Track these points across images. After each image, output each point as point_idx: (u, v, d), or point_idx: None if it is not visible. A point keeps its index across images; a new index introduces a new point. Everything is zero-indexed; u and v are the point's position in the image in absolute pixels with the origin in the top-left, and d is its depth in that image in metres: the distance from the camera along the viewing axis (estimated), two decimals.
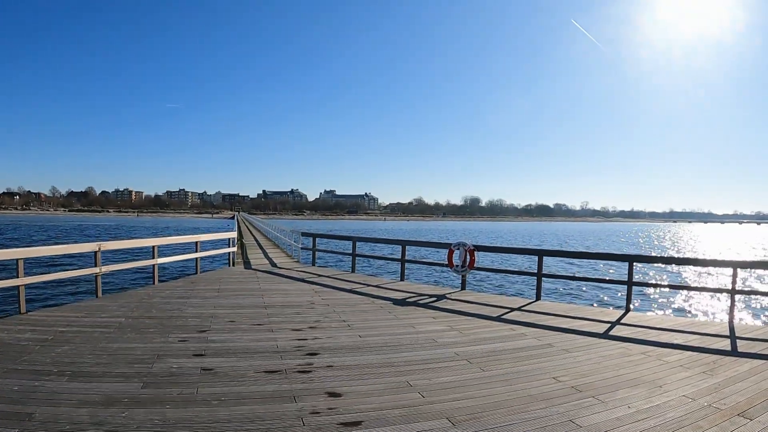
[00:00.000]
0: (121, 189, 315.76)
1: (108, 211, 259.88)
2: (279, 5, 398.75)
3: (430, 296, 15.59)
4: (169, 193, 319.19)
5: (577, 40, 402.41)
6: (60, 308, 12.94)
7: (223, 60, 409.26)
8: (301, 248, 27.20)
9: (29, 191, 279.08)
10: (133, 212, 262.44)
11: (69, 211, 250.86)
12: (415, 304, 14.25)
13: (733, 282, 13.79)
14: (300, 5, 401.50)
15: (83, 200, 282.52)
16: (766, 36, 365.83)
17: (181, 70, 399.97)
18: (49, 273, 14.07)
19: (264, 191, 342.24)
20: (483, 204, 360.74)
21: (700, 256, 52.52)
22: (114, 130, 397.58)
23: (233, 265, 24.08)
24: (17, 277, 12.06)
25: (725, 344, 10.67)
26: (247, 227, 73.06)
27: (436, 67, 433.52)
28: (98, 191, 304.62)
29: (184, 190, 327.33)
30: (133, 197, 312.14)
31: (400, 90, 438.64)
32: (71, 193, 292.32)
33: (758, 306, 24.22)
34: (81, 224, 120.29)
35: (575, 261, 39.02)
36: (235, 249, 25.58)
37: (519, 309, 13.96)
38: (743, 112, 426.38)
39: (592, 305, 21.36)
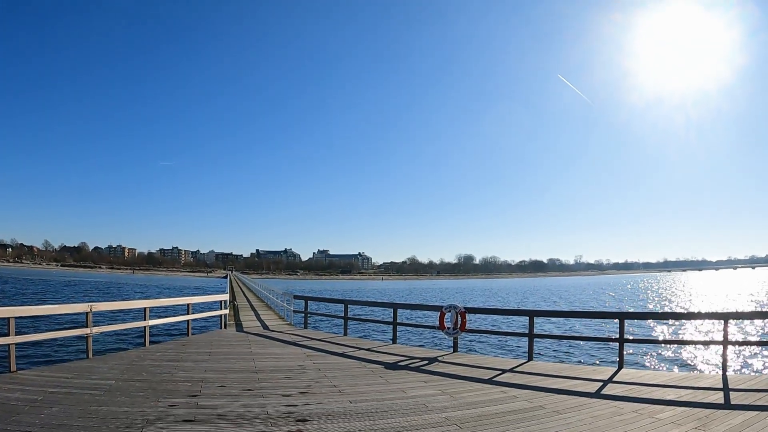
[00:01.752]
0: (114, 245, 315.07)
1: (101, 267, 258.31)
2: (275, 70, 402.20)
3: (422, 359, 15.55)
4: (162, 251, 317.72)
5: (564, 95, 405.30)
6: (50, 368, 12.91)
7: (218, 121, 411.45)
8: (294, 311, 27.10)
9: (22, 244, 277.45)
10: (127, 269, 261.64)
11: (62, 265, 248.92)
12: (407, 367, 14.22)
13: (725, 334, 13.81)
14: (297, 69, 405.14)
15: (76, 255, 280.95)
16: (753, 88, 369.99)
17: (177, 129, 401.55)
18: (40, 332, 14.05)
19: (257, 251, 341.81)
20: (477, 262, 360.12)
21: (691, 310, 52.69)
22: (108, 185, 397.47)
23: (225, 327, 23.94)
24: (8, 336, 12.05)
25: (718, 397, 10.67)
26: (239, 287, 72.79)
27: (426, 129, 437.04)
28: (91, 247, 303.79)
29: (177, 248, 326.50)
30: (126, 254, 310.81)
31: (393, 151, 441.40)
32: (64, 248, 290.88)
33: (751, 355, 24.16)
34: (73, 280, 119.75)
35: (567, 320, 38.85)
36: (226, 311, 25.45)
37: (511, 370, 13.93)
38: (734, 159, 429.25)
39: (584, 364, 21.32)
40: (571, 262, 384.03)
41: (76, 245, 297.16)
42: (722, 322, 14.19)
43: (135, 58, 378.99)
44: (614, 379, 12.83)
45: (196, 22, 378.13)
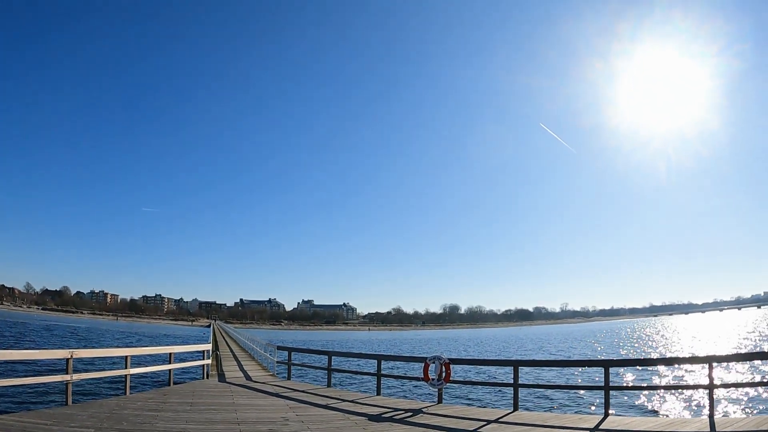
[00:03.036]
0: (97, 291, 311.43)
1: (82, 313, 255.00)
2: (260, 121, 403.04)
3: (406, 411, 15.40)
4: (145, 298, 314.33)
5: (548, 143, 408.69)
6: (29, 413, 12.74)
7: (203, 170, 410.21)
8: (277, 362, 26.90)
9: (3, 285, 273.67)
10: (109, 315, 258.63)
11: (43, 309, 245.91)
12: (391, 419, 14.07)
13: (710, 377, 13.76)
14: (281, 122, 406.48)
15: (57, 299, 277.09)
16: (734, 132, 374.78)
17: (161, 176, 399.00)
18: (19, 377, 13.85)
19: (241, 300, 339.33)
20: (462, 311, 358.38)
21: (676, 355, 52.61)
22: (91, 230, 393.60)
23: (207, 377, 23.72)
24: None
25: None
26: (222, 337, 72.39)
27: (410, 179, 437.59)
28: (73, 291, 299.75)
29: (160, 295, 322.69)
30: (109, 300, 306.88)
31: (378, 201, 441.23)
32: (45, 291, 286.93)
33: (737, 398, 24.12)
34: (54, 324, 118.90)
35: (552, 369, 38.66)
36: (209, 361, 25.24)
37: (496, 421, 13.81)
38: (716, 202, 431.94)
39: (570, 412, 21.21)
40: (557, 310, 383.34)
41: (57, 289, 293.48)
42: (707, 365, 14.17)
43: (121, 105, 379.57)
44: (600, 426, 12.75)
45: (181, 71, 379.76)
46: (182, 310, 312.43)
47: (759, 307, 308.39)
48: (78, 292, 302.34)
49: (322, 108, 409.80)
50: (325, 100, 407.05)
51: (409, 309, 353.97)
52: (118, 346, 57.79)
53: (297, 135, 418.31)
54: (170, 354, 20.76)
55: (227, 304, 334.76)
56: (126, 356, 17.37)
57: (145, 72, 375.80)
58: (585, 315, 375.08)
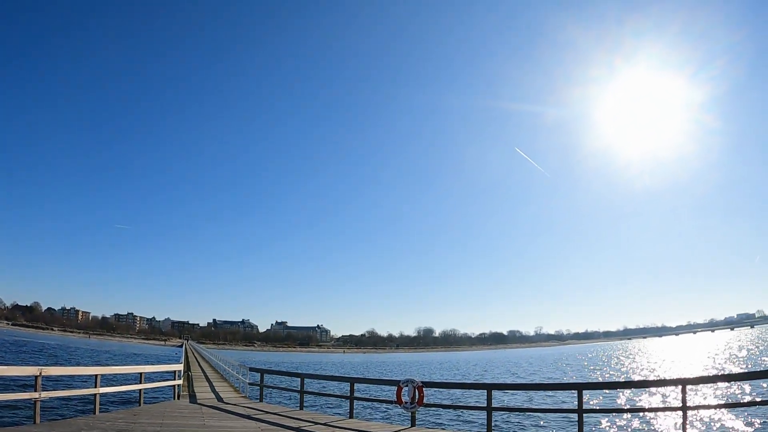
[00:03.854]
0: (68, 307, 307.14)
1: (53, 329, 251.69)
2: (237, 144, 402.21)
3: None
4: (117, 316, 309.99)
5: (523, 167, 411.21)
6: None
7: (174, 188, 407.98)
8: (249, 383, 26.67)
9: None
10: (81, 333, 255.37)
11: (12, 324, 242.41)
12: None
13: (683, 399, 13.77)
14: (257, 146, 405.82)
15: (28, 315, 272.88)
16: (711, 156, 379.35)
17: (134, 193, 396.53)
18: None
19: (214, 320, 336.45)
20: (437, 334, 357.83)
21: (650, 377, 52.85)
22: (64, 245, 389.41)
23: (178, 398, 23.46)
24: None
25: None
26: (195, 357, 71.74)
27: (385, 202, 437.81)
28: (44, 307, 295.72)
29: (132, 314, 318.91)
30: (80, 317, 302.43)
31: (352, 224, 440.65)
32: (16, 306, 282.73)
33: (711, 419, 24.33)
34: (24, 340, 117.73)
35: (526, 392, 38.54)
36: (180, 382, 24.98)
37: None
38: (690, 226, 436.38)
39: None
40: (532, 333, 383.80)
41: (28, 304, 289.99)
42: (680, 387, 14.20)
43: (95, 120, 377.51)
44: None
45: (151, 89, 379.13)
46: (154, 330, 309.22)
47: (732, 329, 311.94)
48: (49, 308, 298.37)
49: (296, 131, 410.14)
50: (300, 123, 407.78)
51: (383, 332, 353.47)
52: (88, 365, 57.08)
53: (272, 157, 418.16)
54: (141, 374, 20.55)
55: (200, 324, 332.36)
56: (96, 375, 17.12)
57: (119, 89, 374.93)
58: (559, 338, 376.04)
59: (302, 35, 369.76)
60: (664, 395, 33.41)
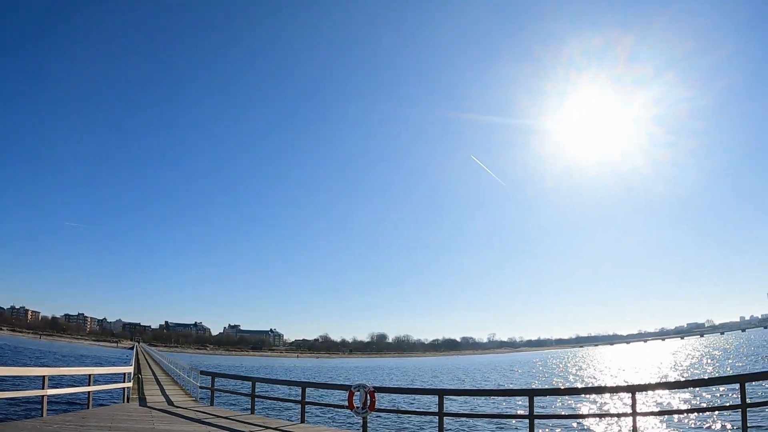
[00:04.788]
0: (17, 307, 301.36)
1: (1, 329, 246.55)
2: (191, 144, 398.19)
3: None
4: (67, 317, 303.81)
5: (477, 174, 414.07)
6: None
7: (130, 188, 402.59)
8: (200, 387, 26.49)
9: None
10: (32, 333, 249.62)
11: None
12: None
13: (633, 405, 14.05)
14: (214, 146, 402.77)
15: None
16: (663, 167, 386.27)
17: (88, 191, 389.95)
18: None
19: (167, 322, 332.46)
20: (390, 340, 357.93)
21: (600, 384, 53.54)
22: (13, 243, 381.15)
23: (128, 401, 23.25)
24: None
25: None
26: (146, 359, 70.95)
27: (338, 208, 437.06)
28: None
29: (83, 314, 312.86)
30: (29, 317, 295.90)
31: (305, 229, 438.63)
32: None
33: (660, 425, 24.55)
34: None
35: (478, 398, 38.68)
36: (130, 384, 24.75)
37: None
38: (642, 236, 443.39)
39: None
40: (485, 340, 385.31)
41: None
42: (630, 394, 14.48)
43: (48, 115, 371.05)
44: None
45: (111, 89, 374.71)
46: (105, 331, 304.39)
47: (682, 338, 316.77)
48: None
49: (255, 132, 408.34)
50: (253, 131, 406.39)
51: (336, 337, 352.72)
52: (35, 365, 56.19)
53: (227, 161, 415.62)
54: (90, 375, 20.25)
55: (152, 326, 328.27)
56: (44, 376, 16.87)
57: (73, 84, 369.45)
58: (512, 345, 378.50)
59: (260, 43, 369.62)
60: (615, 401, 33.86)
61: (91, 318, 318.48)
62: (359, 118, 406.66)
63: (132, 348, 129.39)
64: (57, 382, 21.50)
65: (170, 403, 23.75)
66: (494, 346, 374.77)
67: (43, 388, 16.64)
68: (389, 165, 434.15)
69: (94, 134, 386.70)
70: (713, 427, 24.02)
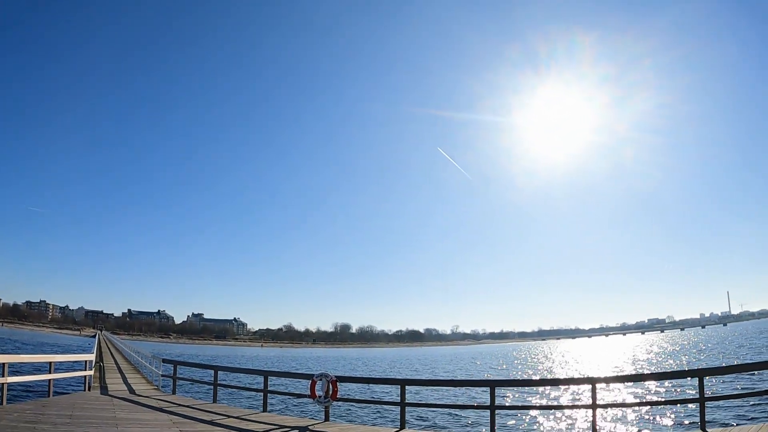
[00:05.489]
0: None
1: None
2: (165, 127, 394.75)
3: (293, 428, 15.37)
4: (28, 304, 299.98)
5: (443, 167, 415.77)
6: None
7: (95, 173, 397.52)
8: (162, 375, 26.40)
9: None
10: None
11: None
12: None
13: (593, 397, 14.34)
14: (186, 131, 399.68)
15: None
16: (622, 164, 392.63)
17: (51, 176, 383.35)
18: None
19: (129, 310, 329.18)
20: (354, 331, 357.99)
21: (562, 376, 54.16)
22: None
23: (89, 389, 23.06)
24: None
25: None
26: (108, 348, 70.36)
27: (302, 198, 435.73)
28: None
29: (45, 301, 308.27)
30: None
31: (268, 220, 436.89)
32: None
33: (619, 416, 24.97)
34: None
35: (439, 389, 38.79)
36: (92, 372, 24.55)
37: None
38: (603, 233, 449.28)
39: (457, 431, 21.63)
40: (448, 332, 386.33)
41: None
42: (590, 386, 14.74)
43: (16, 100, 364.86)
44: None
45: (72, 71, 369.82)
46: (68, 319, 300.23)
47: (643, 333, 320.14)
48: None
49: (217, 118, 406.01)
50: (221, 114, 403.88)
51: (300, 326, 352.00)
52: None
53: (192, 144, 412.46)
54: (51, 363, 20.11)
55: (115, 314, 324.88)
56: (3, 363, 16.73)
57: (47, 70, 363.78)
58: (475, 337, 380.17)
59: (222, 36, 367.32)
60: (575, 393, 34.24)
61: (53, 305, 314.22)
62: (325, 110, 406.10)
63: (94, 336, 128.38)
64: (17, 369, 21.34)
65: (132, 391, 23.65)
66: (457, 338, 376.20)
67: (2, 376, 16.48)
68: (355, 156, 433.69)
69: (58, 120, 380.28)
70: (673, 419, 24.41)
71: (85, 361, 24.04)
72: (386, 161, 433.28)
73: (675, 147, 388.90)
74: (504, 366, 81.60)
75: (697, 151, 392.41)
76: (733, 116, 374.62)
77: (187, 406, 19.40)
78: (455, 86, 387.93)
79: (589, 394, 14.62)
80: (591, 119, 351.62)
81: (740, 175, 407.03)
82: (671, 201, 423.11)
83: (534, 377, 54.46)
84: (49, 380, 19.89)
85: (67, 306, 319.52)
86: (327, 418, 17.71)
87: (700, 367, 46.82)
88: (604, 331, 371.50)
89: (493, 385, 15.84)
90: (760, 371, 34.22)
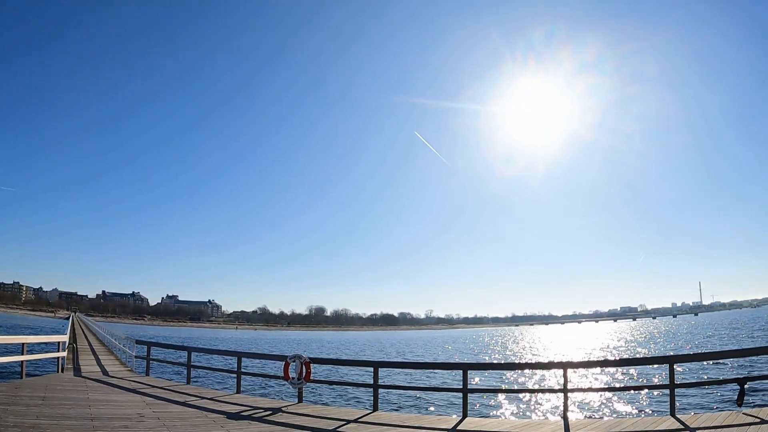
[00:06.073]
0: None
1: None
2: (146, 112, 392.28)
3: (266, 409, 15.40)
4: (1, 285, 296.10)
5: (419, 150, 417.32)
6: None
7: (66, 152, 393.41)
8: (135, 356, 26.30)
9: None
10: None
11: None
12: (250, 417, 14.05)
13: (565, 382, 14.44)
14: (172, 115, 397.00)
15: None
16: (595, 154, 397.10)
17: (20, 153, 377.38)
18: None
19: (104, 292, 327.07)
20: (328, 314, 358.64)
21: (534, 360, 54.66)
22: None
23: (62, 371, 22.92)
24: None
25: None
26: (82, 330, 69.96)
27: (277, 181, 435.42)
28: None
29: (18, 283, 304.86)
30: None
31: (244, 203, 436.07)
32: None
33: (590, 401, 25.22)
34: None
35: (413, 371, 38.96)
36: (65, 354, 24.40)
37: (355, 421, 13.98)
38: (578, 222, 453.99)
39: (429, 413, 21.74)
40: (422, 316, 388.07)
41: None
42: (562, 370, 14.91)
43: None
44: (458, 427, 13.10)
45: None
46: (42, 300, 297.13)
47: (615, 320, 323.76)
48: None
49: (193, 102, 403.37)
50: (201, 99, 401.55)
51: (275, 309, 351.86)
52: None
53: (175, 129, 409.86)
54: (23, 344, 19.97)
55: (89, 296, 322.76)
56: None
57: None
58: (449, 322, 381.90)
59: (203, 24, 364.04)
60: (547, 378, 34.59)
61: (26, 287, 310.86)
62: (303, 97, 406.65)
63: (68, 318, 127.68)
64: None
65: (105, 372, 23.56)
66: (431, 322, 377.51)
67: None
68: (331, 141, 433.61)
69: (29, 97, 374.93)
70: (643, 405, 24.72)
71: (59, 343, 23.89)
72: (364, 147, 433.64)
73: (649, 135, 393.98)
74: (477, 350, 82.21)
75: (672, 142, 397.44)
76: (705, 106, 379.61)
77: (161, 388, 19.36)
78: (435, 75, 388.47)
79: (561, 378, 14.76)
80: (568, 108, 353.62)
81: (715, 168, 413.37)
82: (645, 191, 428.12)
83: (506, 361, 54.92)
84: (22, 362, 19.74)
85: (40, 287, 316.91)
86: (300, 400, 17.74)
87: (671, 354, 47.56)
88: (577, 318, 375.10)
89: (465, 368, 15.93)
90: (729, 359, 34.81)
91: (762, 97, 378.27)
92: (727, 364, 34.26)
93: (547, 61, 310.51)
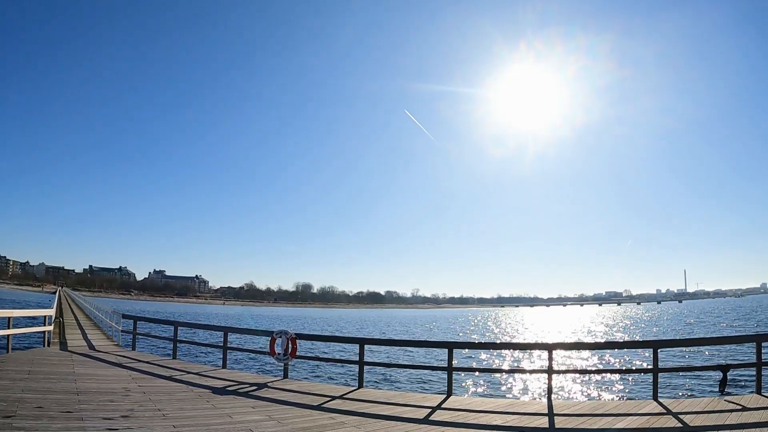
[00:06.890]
0: None
1: None
2: (136, 92, 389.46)
3: (251, 384, 15.45)
4: None
5: (408, 129, 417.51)
6: None
7: (53, 123, 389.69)
8: (121, 331, 26.28)
9: None
10: None
11: None
12: (235, 392, 14.09)
13: (550, 363, 14.61)
14: (163, 93, 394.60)
15: None
16: (584, 141, 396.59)
17: (6, 127, 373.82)
18: None
19: (91, 266, 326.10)
20: (315, 291, 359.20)
21: (519, 341, 55.00)
22: None
23: (49, 345, 22.90)
24: None
25: (543, 422, 11.21)
26: (68, 304, 69.79)
27: (269, 160, 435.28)
28: None
29: (5, 257, 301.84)
30: None
31: (232, 178, 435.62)
32: None
33: (574, 383, 25.59)
34: None
35: (398, 348, 39.08)
36: (51, 328, 24.34)
37: (341, 397, 14.06)
38: (566, 205, 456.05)
39: (414, 391, 21.88)
40: (409, 295, 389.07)
41: None
42: (547, 352, 15.00)
43: None
44: (443, 405, 13.19)
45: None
46: (28, 275, 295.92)
47: (600, 305, 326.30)
48: None
49: (183, 78, 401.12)
50: (193, 76, 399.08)
51: (262, 285, 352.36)
52: None
53: (167, 106, 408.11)
54: (9, 318, 19.92)
55: (76, 271, 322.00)
56: None
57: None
58: (435, 301, 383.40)
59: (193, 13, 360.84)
60: (532, 358, 34.82)
61: (13, 261, 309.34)
62: (294, 81, 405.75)
63: (55, 293, 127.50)
64: None
65: (92, 347, 23.52)
66: (418, 301, 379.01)
67: None
68: (322, 120, 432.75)
69: (20, 74, 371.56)
70: (626, 388, 24.94)
71: (45, 317, 23.86)
72: (353, 129, 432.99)
73: (639, 121, 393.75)
74: (463, 330, 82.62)
75: (662, 129, 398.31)
76: (695, 93, 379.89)
77: (147, 362, 19.36)
78: (427, 59, 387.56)
79: (546, 359, 14.86)
80: (560, 91, 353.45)
81: (704, 157, 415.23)
82: (635, 178, 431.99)
83: (492, 341, 55.28)
84: (8, 336, 19.73)
85: (27, 262, 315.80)
86: (286, 376, 17.82)
87: (655, 338, 48.00)
88: (562, 301, 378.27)
89: (451, 346, 16.06)
90: (712, 346, 35.22)
91: (750, 85, 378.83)
92: (709, 351, 34.57)
93: (538, 44, 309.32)
